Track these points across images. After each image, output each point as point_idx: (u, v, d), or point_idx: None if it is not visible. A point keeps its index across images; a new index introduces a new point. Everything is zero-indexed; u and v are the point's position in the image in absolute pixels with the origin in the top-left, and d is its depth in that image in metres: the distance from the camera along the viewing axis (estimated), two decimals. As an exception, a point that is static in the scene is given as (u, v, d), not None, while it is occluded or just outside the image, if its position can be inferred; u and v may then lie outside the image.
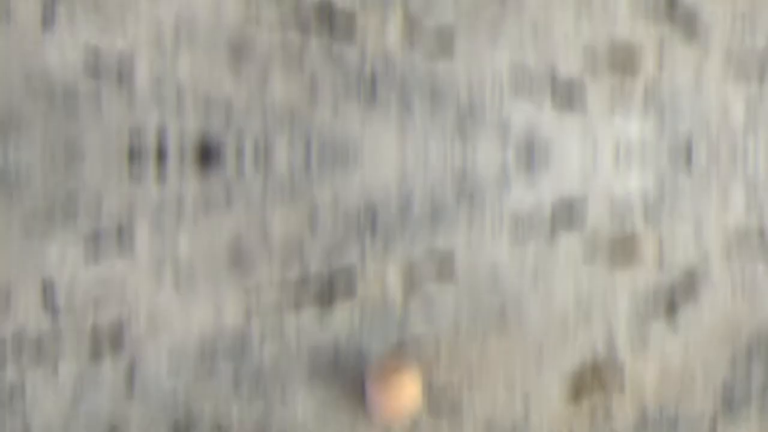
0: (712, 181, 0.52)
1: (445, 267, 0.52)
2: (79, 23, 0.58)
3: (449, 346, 0.48)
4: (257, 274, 0.47)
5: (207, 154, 0.50)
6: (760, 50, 0.68)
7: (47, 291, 0.48)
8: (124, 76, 0.57)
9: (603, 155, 0.53)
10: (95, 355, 0.48)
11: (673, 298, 0.48)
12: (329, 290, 0.48)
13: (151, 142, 0.51)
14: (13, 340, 0.47)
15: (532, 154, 0.51)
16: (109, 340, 0.49)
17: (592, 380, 0.48)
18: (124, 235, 0.49)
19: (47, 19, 0.61)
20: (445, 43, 0.61)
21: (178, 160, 0.52)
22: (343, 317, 0.48)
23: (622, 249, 0.48)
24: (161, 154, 0.51)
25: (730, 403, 0.47)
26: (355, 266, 0.47)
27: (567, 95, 0.64)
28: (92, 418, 0.50)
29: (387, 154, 0.51)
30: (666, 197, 0.51)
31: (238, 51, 0.57)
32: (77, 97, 0.56)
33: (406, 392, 0.52)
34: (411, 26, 0.58)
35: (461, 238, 0.51)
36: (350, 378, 0.48)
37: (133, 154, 0.51)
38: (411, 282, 0.48)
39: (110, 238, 0.47)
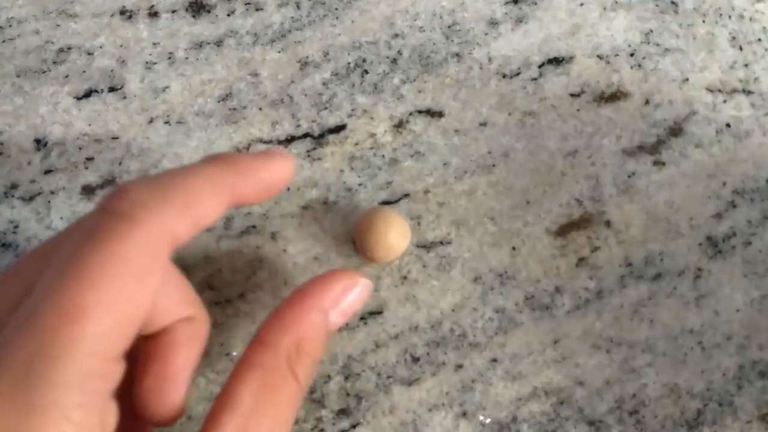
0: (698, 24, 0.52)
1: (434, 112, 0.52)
2: None
3: (438, 200, 0.49)
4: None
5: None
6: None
7: (38, 131, 0.48)
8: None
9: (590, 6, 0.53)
10: (87, 195, 0.48)
11: (659, 136, 0.49)
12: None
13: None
14: (7, 179, 0.47)
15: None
16: (102, 187, 0.49)
17: (578, 226, 0.49)
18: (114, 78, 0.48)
19: None
20: None
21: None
22: (333, 164, 0.48)
23: (608, 86, 0.49)
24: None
25: (714, 255, 0.48)
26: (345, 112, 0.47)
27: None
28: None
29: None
30: (652, 37, 0.51)
31: None
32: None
33: (395, 235, 0.52)
34: None
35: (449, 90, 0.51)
36: (341, 225, 0.49)
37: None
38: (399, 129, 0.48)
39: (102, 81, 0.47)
